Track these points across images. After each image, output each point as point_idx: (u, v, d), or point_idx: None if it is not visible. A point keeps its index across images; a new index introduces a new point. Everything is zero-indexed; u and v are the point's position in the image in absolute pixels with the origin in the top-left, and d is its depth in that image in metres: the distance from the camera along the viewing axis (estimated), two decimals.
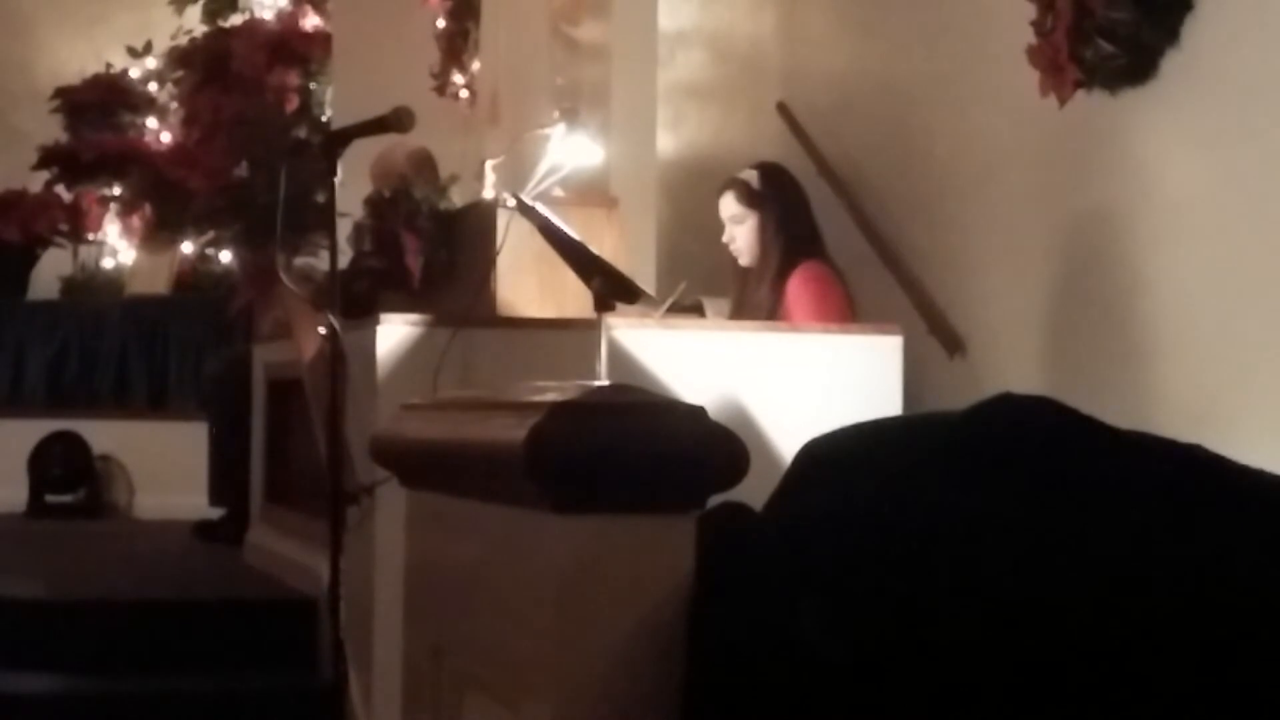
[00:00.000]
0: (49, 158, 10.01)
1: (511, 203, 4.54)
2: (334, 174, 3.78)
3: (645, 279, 5.12)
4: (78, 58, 10.51)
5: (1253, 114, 4.05)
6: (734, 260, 5.26)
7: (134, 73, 10.53)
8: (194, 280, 9.70)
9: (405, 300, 4.96)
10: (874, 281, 5.56)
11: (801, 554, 1.79)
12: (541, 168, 5.04)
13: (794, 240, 5.15)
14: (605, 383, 3.27)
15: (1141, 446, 1.85)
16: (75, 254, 10.09)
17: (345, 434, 3.81)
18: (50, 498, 8.74)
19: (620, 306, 4.20)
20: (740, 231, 5.20)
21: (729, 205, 5.24)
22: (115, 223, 10.09)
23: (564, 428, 1.81)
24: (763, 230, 5.17)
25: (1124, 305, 4.51)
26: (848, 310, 5.08)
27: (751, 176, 5.25)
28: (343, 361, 3.71)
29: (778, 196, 5.21)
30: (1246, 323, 4.05)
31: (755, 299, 5.15)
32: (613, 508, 1.83)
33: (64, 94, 10.30)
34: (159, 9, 10.43)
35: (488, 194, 5.34)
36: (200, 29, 10.24)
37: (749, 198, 5.20)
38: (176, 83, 10.21)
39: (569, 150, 5.13)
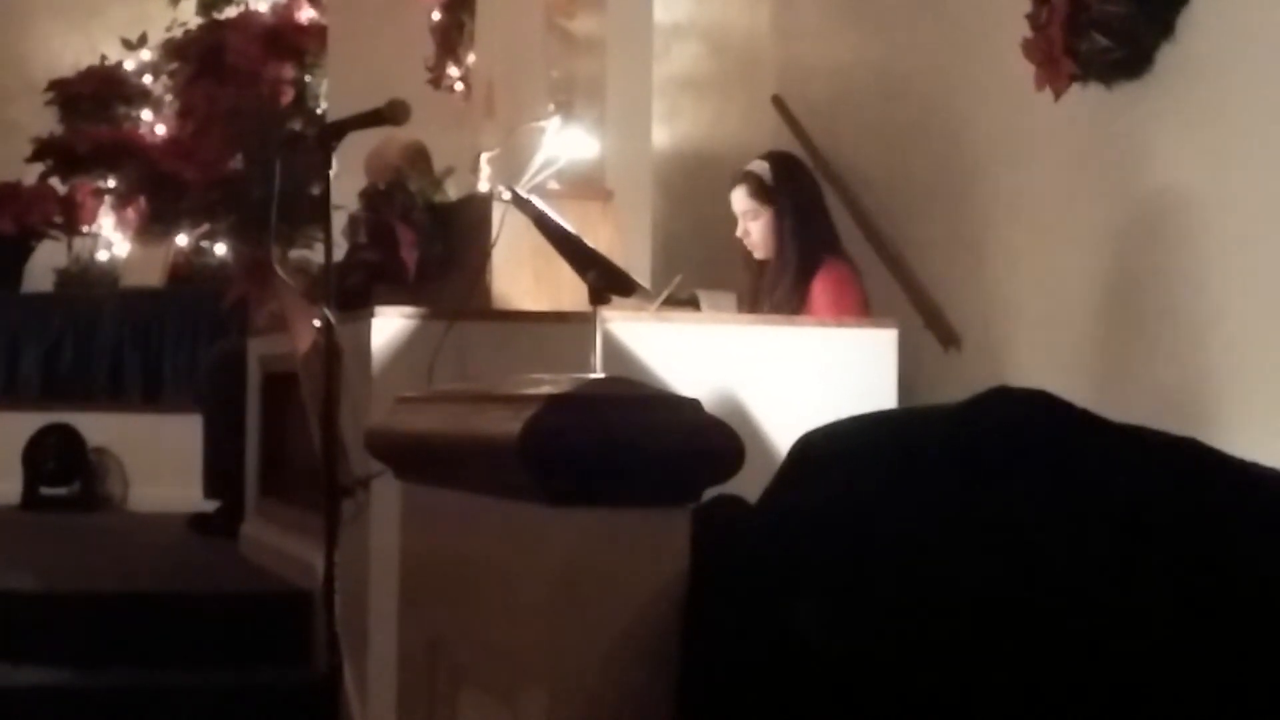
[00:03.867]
0: (43, 150, 9.99)
1: (507, 196, 4.53)
2: (329, 167, 3.77)
3: (640, 272, 5.11)
4: (72, 50, 10.49)
5: (1247, 107, 4.05)
6: (747, 254, 5.23)
7: (129, 65, 10.51)
8: (189, 273, 9.68)
9: (400, 293, 4.95)
10: (870, 275, 5.55)
11: (797, 548, 1.79)
12: (537, 161, 5.03)
13: (812, 236, 5.12)
14: (600, 376, 3.26)
15: (1137, 440, 1.85)
16: (70, 246, 10.07)
17: (340, 427, 3.81)
18: (45, 490, 8.72)
19: (615, 299, 4.19)
20: (755, 226, 5.17)
21: (741, 200, 5.20)
22: (110, 215, 10.07)
23: (559, 421, 1.80)
24: (779, 225, 5.13)
25: (1119, 298, 4.52)
26: (865, 312, 5.06)
27: (763, 169, 5.21)
28: (338, 354, 3.70)
29: (791, 190, 5.17)
30: (1242, 315, 4.05)
31: (775, 295, 5.12)
32: (608, 501, 1.83)
33: (59, 86, 10.28)
34: (154, 1, 10.41)
35: (483, 187, 5.34)
36: (195, 21, 10.22)
37: (762, 192, 5.16)
38: (171, 75, 10.19)
39: (564, 143, 5.13)
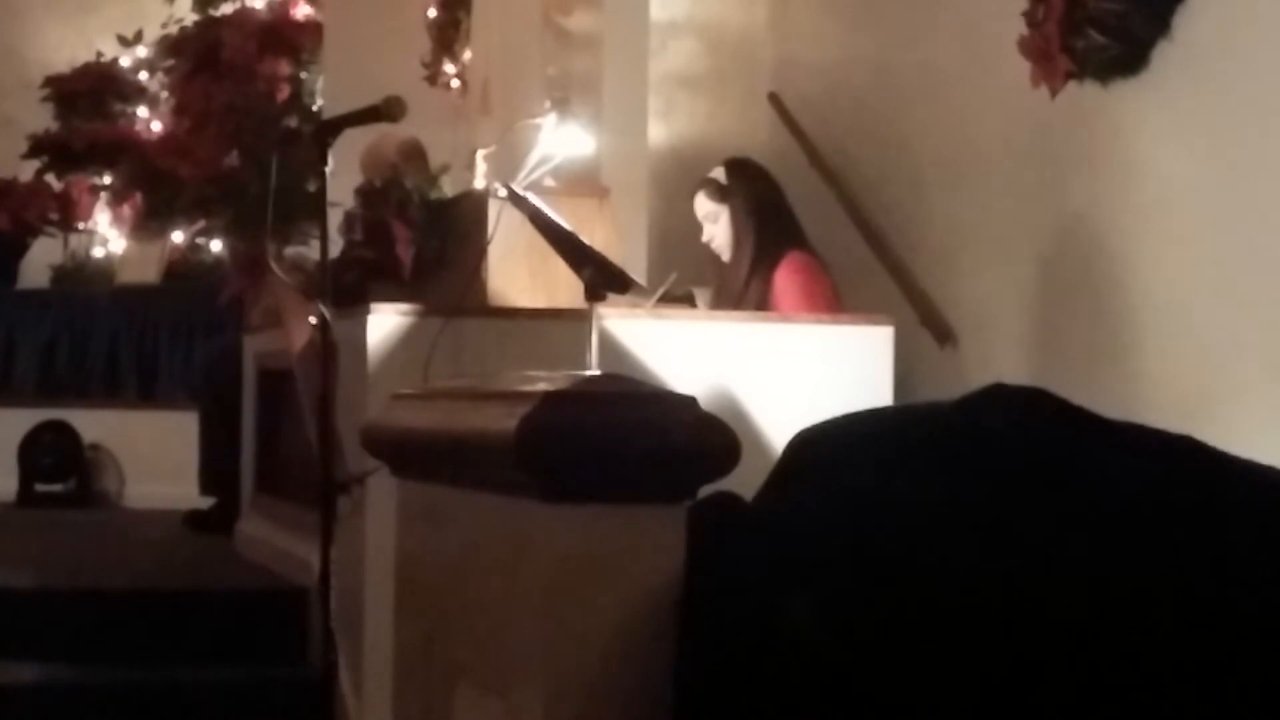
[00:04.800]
0: (39, 146, 9.99)
1: (503, 193, 4.53)
2: (325, 163, 3.77)
3: (636, 269, 5.11)
4: (68, 46, 10.48)
5: (1244, 105, 4.06)
6: (716, 259, 5.28)
7: (125, 61, 10.50)
8: (184, 269, 9.68)
9: (396, 290, 4.95)
10: (865, 272, 5.56)
11: (792, 544, 1.79)
12: (533, 158, 5.03)
13: (770, 228, 5.17)
14: (596, 373, 3.27)
15: (1132, 437, 1.85)
16: (66, 243, 10.07)
17: (336, 423, 3.81)
18: (40, 487, 8.72)
19: (611, 296, 4.19)
20: (717, 229, 5.24)
21: (701, 205, 5.29)
22: (106, 212, 10.07)
23: (555, 417, 1.80)
24: (735, 220, 5.20)
25: (1115, 296, 4.52)
26: (834, 300, 5.10)
27: (719, 173, 5.30)
28: (333, 351, 3.71)
29: (745, 186, 5.25)
30: (1236, 314, 4.05)
31: (733, 286, 5.16)
32: (604, 497, 1.83)
33: (54, 83, 10.27)
34: None
35: (479, 184, 5.34)
36: (191, 18, 10.22)
37: (718, 193, 5.25)
38: (167, 72, 10.18)
39: (560, 140, 5.13)
